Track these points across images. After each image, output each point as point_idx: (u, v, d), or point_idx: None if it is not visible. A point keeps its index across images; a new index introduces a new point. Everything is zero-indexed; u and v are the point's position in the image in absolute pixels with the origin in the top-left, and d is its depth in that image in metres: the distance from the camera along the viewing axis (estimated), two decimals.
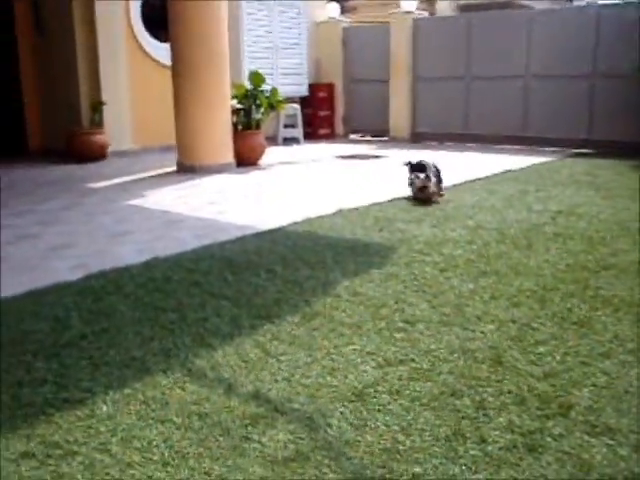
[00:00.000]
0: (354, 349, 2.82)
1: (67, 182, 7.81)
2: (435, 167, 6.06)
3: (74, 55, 10.02)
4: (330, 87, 12.54)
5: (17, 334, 3.03)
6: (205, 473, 1.97)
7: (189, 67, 8.02)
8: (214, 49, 8.09)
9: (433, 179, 5.87)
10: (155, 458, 2.05)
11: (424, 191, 5.81)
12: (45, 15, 10.33)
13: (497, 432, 2.20)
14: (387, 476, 1.97)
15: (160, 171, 8.27)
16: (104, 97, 9.96)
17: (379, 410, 2.33)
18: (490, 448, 2.12)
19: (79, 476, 1.96)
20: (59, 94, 10.25)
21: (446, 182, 6.24)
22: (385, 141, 11.45)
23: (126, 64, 10.32)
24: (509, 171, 7.67)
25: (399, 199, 5.99)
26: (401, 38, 11.27)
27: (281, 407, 2.34)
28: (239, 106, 8.65)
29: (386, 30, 11.52)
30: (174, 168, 8.29)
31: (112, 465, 2.01)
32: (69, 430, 2.21)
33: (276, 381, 2.53)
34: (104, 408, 2.34)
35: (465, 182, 6.91)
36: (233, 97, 8.58)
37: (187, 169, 8.03)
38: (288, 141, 11.35)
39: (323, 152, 10.14)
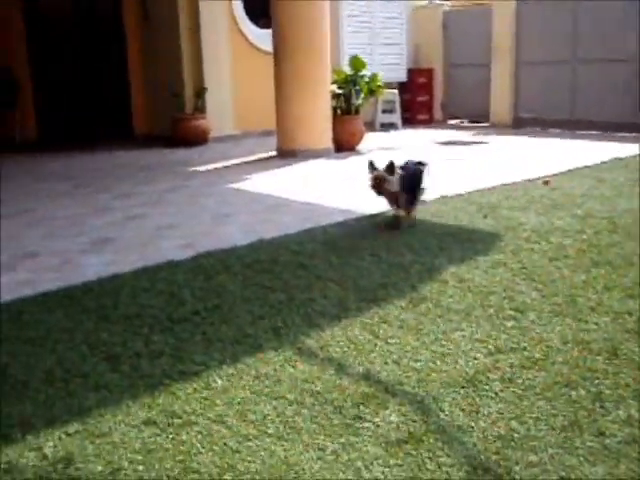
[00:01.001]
0: (463, 335, 2.78)
1: (171, 166, 8.07)
2: (411, 174, 4.53)
3: (178, 42, 10.29)
4: (429, 72, 12.36)
5: (134, 308, 3.16)
6: (320, 449, 2.00)
7: (290, 53, 8.08)
8: (315, 35, 8.12)
9: (397, 186, 4.37)
10: (270, 432, 2.09)
11: (381, 186, 4.36)
12: (151, 3, 10.65)
13: (616, 425, 2.12)
14: (502, 463, 1.94)
15: (260, 156, 8.40)
16: (207, 83, 10.21)
17: (491, 397, 2.30)
18: (608, 441, 2.04)
19: (198, 445, 2.03)
20: (164, 81, 10.57)
21: (552, 169, 6.03)
22: (485, 127, 11.20)
23: (228, 51, 10.53)
24: (619, 159, 7.34)
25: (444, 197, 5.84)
26: (504, 21, 10.97)
27: (392, 389, 2.34)
28: (339, 91, 8.66)
29: (488, 13, 11.24)
30: (274, 153, 8.40)
31: (229, 436, 2.07)
32: (187, 401, 2.29)
33: (386, 363, 2.54)
34: (219, 382, 2.41)
35: (572, 170, 6.67)
36: (333, 82, 8.60)
37: (287, 154, 8.13)
38: (386, 127, 11.29)
39: (421, 138, 10.03)
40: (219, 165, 7.86)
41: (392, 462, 1.94)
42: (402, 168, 4.45)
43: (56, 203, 6.01)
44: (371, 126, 10.81)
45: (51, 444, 2.07)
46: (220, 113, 10.29)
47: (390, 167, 4.31)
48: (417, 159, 4.77)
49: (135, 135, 10.97)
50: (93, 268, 3.90)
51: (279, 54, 8.23)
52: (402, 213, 4.54)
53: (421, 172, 4.59)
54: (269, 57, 8.83)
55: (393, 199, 4.50)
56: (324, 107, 8.26)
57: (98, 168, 8.08)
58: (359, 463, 1.94)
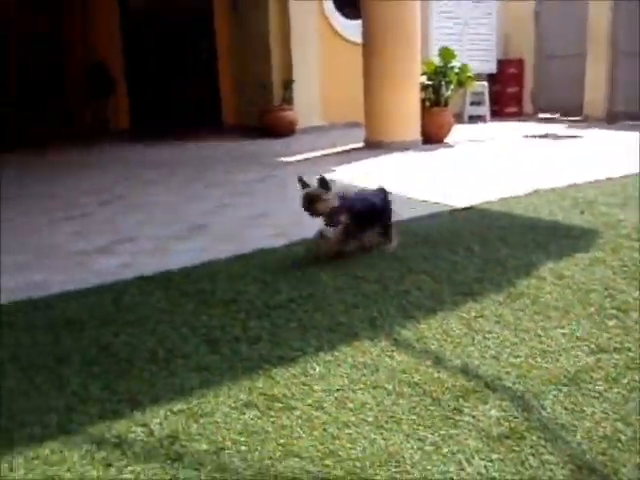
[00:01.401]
0: (563, 333, 2.71)
1: (259, 156, 8.19)
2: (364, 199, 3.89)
3: (267, 34, 10.41)
4: (519, 63, 12.07)
5: (230, 294, 3.22)
6: (419, 439, 1.99)
7: (380, 44, 8.05)
8: (406, 26, 8.06)
9: (336, 202, 3.64)
10: (369, 420, 2.10)
11: (314, 205, 3.63)
12: None
13: None
14: (609, 464, 1.88)
15: (347, 147, 8.41)
16: (294, 75, 10.29)
17: (595, 397, 2.23)
18: None
19: (299, 429, 2.06)
20: (252, 72, 10.72)
21: None
22: (577, 120, 10.84)
23: (316, 42, 10.58)
24: None
25: None
26: (601, 9, 10.56)
27: (491, 384, 2.31)
28: (428, 82, 8.57)
29: (583, 2, 10.84)
30: (361, 144, 8.40)
31: (329, 422, 2.09)
32: (286, 386, 2.32)
33: (484, 357, 2.50)
34: (317, 368, 2.44)
35: None
36: (422, 73, 8.51)
37: (374, 145, 8.11)
38: (474, 119, 11.11)
39: (511, 131, 9.81)
40: (307, 156, 7.92)
41: (494, 457, 1.91)
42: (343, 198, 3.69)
43: (150, 190, 6.20)
44: (459, 118, 10.65)
45: (157, 421, 2.14)
46: (307, 104, 10.36)
47: (323, 182, 3.61)
48: (378, 185, 4.04)
49: (223, 125, 11.18)
50: (188, 254, 4.01)
51: (369, 46, 8.22)
52: (335, 237, 3.65)
53: (381, 200, 3.88)
54: (357, 48, 8.83)
55: (332, 219, 3.67)
56: (413, 99, 8.19)
57: (189, 157, 8.28)
58: (460, 456, 1.92)
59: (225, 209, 5.24)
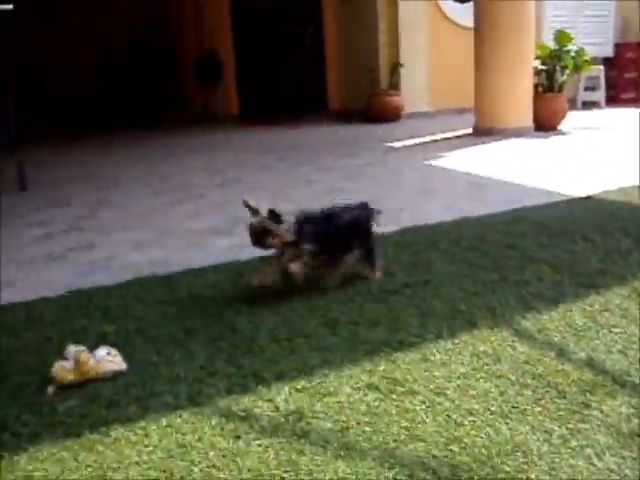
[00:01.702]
0: None
1: (366, 141, 8.19)
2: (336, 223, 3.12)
3: (375, 18, 10.37)
4: (639, 47, 11.47)
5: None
6: (546, 432, 1.96)
7: (493, 28, 7.86)
8: (520, 9, 7.83)
9: (290, 235, 2.99)
10: (493, 409, 2.08)
11: (262, 240, 2.99)
12: None
13: None
14: None
15: (456, 133, 8.29)
16: (402, 59, 10.21)
17: None
18: None
19: (422, 414, 2.07)
20: (359, 57, 10.71)
21: None
22: None
23: (424, 26, 10.45)
24: None
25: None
26: None
27: (619, 379, 2.23)
28: (541, 67, 8.30)
29: None
30: (469, 131, 8.25)
31: (452, 409, 2.09)
32: (407, 370, 2.33)
33: (610, 352, 2.42)
34: (437, 355, 2.43)
35: None
36: (535, 58, 8.25)
37: (484, 132, 7.95)
38: (587, 105, 10.68)
39: (628, 118, 9.36)
40: (414, 142, 7.86)
41: (625, 454, 1.86)
42: (308, 219, 3.07)
43: (261, 174, 6.34)
44: (572, 104, 10.26)
45: (282, 397, 2.20)
46: (414, 89, 10.27)
47: (272, 213, 2.93)
48: (360, 201, 3.31)
49: (329, 110, 11.24)
50: None
51: (480, 29, 8.04)
52: (297, 269, 3.04)
53: (360, 217, 3.20)
54: (466, 32, 8.67)
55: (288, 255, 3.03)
56: (526, 84, 7.96)
57: (297, 142, 8.39)
58: (589, 450, 1.87)
59: (336, 194, 5.28)
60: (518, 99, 7.93)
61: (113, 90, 12.78)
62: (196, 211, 5.02)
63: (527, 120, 7.99)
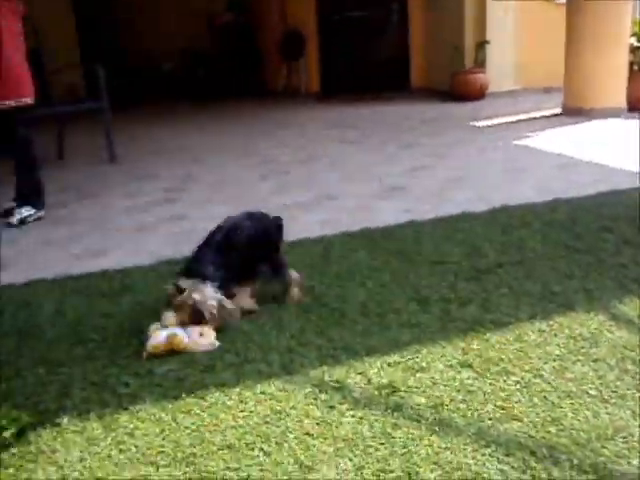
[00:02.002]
0: None
1: (450, 119, 8.05)
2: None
3: None
4: None
5: (436, 255, 3.24)
6: None
7: (586, 2, 7.55)
8: None
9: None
10: (591, 392, 2.03)
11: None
12: None
13: None
14: None
15: (543, 113, 8.04)
16: (488, 36, 9.95)
17: None
18: None
19: (518, 394, 2.04)
20: (444, 34, 10.49)
21: None
22: None
23: (512, 1, 10.12)
24: None
25: None
26: None
27: None
28: (638, 44, 7.94)
29: None
30: (558, 110, 7.99)
31: (548, 391, 2.05)
32: (501, 350, 2.30)
33: None
34: (531, 336, 2.39)
35: None
36: (632, 35, 7.89)
37: (573, 112, 7.67)
38: None
39: None
40: (500, 121, 7.68)
41: None
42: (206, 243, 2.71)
43: (344, 150, 6.33)
44: None
45: (374, 371, 2.21)
46: (500, 67, 9.99)
47: (178, 288, 2.55)
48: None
49: (412, 88, 11.09)
50: (389, 213, 4.06)
51: (573, 5, 7.73)
52: (248, 305, 2.73)
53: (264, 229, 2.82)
54: (557, 7, 8.37)
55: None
56: (620, 63, 7.63)
57: (380, 119, 8.33)
58: None
59: (422, 171, 5.23)
60: (611, 78, 7.60)
61: (199, 68, 13.02)
62: (282, 186, 5.06)
63: (620, 100, 7.66)
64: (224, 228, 2.75)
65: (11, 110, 4.41)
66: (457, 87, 9.83)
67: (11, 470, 1.92)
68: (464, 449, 1.80)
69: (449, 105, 9.30)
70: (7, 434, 2.07)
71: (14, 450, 2.01)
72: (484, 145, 6.19)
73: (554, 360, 2.23)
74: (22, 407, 2.17)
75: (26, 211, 4.62)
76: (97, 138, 6.62)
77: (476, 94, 9.73)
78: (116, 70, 8.70)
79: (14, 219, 4.58)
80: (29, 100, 4.52)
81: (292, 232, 3.81)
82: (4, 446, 2.04)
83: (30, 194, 4.67)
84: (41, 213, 4.69)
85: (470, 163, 5.45)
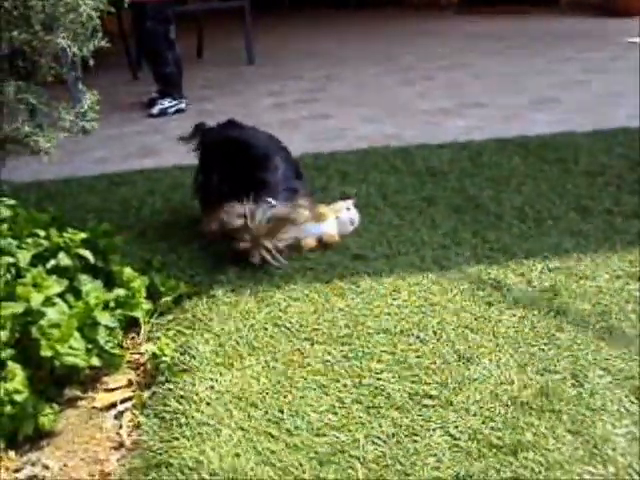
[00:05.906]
0: None
1: (606, 35, 7.46)
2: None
3: None
4: None
5: (595, 167, 3.03)
6: None
7: None
8: None
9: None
10: None
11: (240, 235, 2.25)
12: None
13: None
14: None
15: None
16: None
17: None
18: None
19: None
20: None
21: None
22: None
23: None
24: None
25: None
26: None
27: None
28: None
29: None
30: None
31: None
32: None
33: None
34: None
35: None
36: None
37: None
38: None
39: None
40: None
41: None
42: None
43: (491, 61, 6.02)
44: None
45: (535, 274, 2.12)
46: None
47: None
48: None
49: (561, 2, 10.36)
50: (542, 123, 3.85)
51: None
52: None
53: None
54: None
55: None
56: None
57: (525, 31, 7.85)
58: None
59: (576, 85, 4.89)
60: None
61: None
62: (425, 92, 4.90)
63: None
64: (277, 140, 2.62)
65: (144, 4, 4.44)
66: (613, 1, 9.08)
67: (171, 333, 1.99)
68: (635, 359, 1.70)
69: (604, 20, 8.62)
70: (167, 299, 2.16)
71: (172, 316, 2.10)
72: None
73: None
74: (178, 279, 2.24)
75: (167, 102, 4.73)
76: (236, 39, 6.63)
77: (635, 10, 8.95)
78: None
79: (155, 109, 4.71)
80: None
81: (439, 135, 3.71)
82: (163, 311, 2.13)
83: (165, 86, 4.76)
84: (182, 105, 4.78)
85: (627, 79, 5.04)
